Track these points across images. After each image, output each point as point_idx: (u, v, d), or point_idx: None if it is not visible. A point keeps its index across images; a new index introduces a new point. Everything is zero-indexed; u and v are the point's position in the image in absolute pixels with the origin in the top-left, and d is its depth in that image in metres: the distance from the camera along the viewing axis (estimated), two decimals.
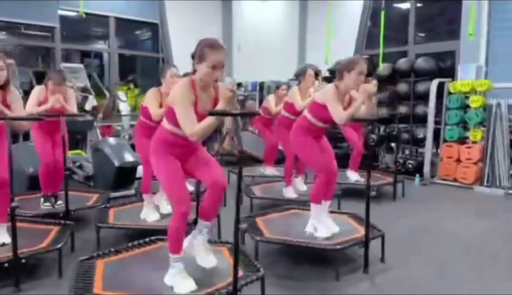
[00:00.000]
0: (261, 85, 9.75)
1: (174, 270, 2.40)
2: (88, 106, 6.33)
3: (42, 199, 4.10)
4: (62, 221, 3.46)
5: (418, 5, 8.33)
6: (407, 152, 7.32)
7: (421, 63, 6.95)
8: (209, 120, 2.24)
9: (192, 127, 2.26)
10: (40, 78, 6.06)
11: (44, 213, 3.82)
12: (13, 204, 2.64)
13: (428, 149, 6.51)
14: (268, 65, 9.45)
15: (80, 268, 2.50)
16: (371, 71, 7.44)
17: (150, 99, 3.73)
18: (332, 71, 7.67)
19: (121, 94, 7.11)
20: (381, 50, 6.72)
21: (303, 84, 4.72)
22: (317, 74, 5.12)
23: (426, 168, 6.47)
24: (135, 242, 2.95)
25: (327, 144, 3.44)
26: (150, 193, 3.83)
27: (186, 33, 8.72)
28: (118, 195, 4.95)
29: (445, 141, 6.44)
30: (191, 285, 2.35)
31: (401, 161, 6.88)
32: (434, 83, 6.47)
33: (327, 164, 3.24)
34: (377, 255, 3.21)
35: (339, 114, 3.04)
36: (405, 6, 8.53)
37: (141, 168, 5.37)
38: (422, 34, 8.79)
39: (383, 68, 7.16)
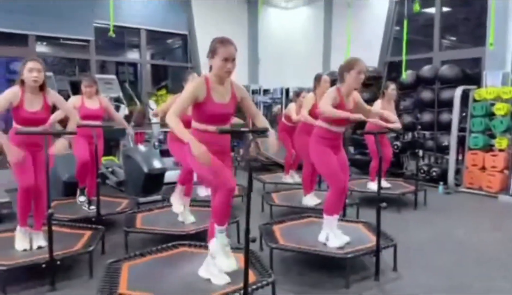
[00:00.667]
0: (287, 90, 9.92)
1: (217, 240, 2.63)
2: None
3: (78, 192, 4.56)
4: (94, 226, 3.76)
5: (444, 9, 8.25)
6: (431, 159, 7.28)
7: (445, 70, 6.92)
8: (186, 135, 2.46)
9: (176, 114, 2.52)
10: (75, 87, 6.50)
11: (78, 217, 4.12)
12: (50, 211, 2.93)
13: (452, 157, 6.49)
14: (294, 71, 9.60)
15: (108, 270, 2.75)
16: (394, 77, 7.51)
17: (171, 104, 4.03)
18: None
19: (151, 103, 7.44)
20: (404, 58, 6.73)
21: (319, 90, 4.74)
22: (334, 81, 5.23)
23: (450, 176, 6.44)
24: (159, 247, 3.19)
25: (344, 159, 3.52)
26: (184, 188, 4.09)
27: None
28: (146, 200, 5.24)
29: (469, 148, 6.40)
30: (225, 278, 2.61)
31: (425, 168, 6.88)
32: (458, 91, 6.44)
33: (339, 181, 3.34)
34: (391, 264, 3.31)
35: (324, 105, 3.24)
36: (430, 10, 8.47)
37: (168, 174, 5.74)
38: (448, 41, 8.70)
39: (407, 75, 7.18)
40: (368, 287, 3.06)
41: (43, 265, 2.96)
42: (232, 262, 2.70)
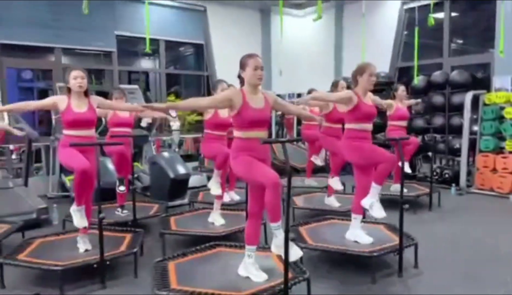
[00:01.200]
0: (299, 96, 10.20)
1: (278, 238, 2.76)
2: (143, 123, 6.98)
3: (117, 182, 4.82)
4: (133, 229, 4.04)
5: (453, 14, 8.47)
6: (443, 162, 7.50)
7: (455, 75, 7.17)
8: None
9: (203, 101, 3.14)
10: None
11: (116, 221, 4.41)
12: (101, 215, 3.21)
13: (463, 159, 6.71)
14: (306, 77, 9.86)
15: (157, 269, 3.03)
16: (405, 81, 7.73)
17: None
18: None
19: (171, 111, 7.71)
20: (415, 63, 6.98)
21: None
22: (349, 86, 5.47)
23: (462, 178, 6.66)
24: (198, 247, 3.46)
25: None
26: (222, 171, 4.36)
27: (228, 52, 9.34)
28: (174, 204, 5.52)
29: (480, 151, 6.62)
30: (263, 276, 2.88)
31: (438, 170, 7.10)
32: (469, 95, 6.67)
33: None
34: (412, 262, 3.55)
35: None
36: (440, 15, 8.69)
37: (192, 179, 6.03)
38: (457, 45, 8.92)
39: (419, 80, 7.43)
40: (392, 283, 3.31)
41: (95, 265, 3.24)
42: (294, 252, 2.75)
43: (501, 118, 6.48)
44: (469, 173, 6.80)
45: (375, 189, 3.54)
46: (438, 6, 8.18)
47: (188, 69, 10.93)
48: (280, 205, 2.77)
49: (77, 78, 3.50)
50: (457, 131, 7.00)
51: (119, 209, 4.87)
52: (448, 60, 8.19)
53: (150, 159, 6.27)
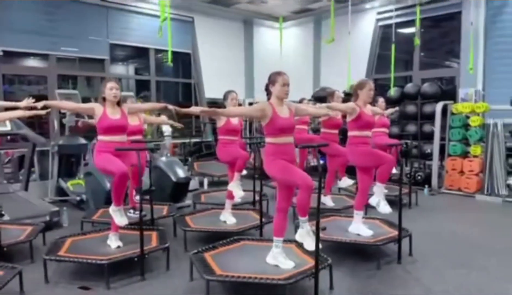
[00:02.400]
0: None
1: (303, 229, 3.29)
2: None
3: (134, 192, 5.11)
4: (155, 227, 4.38)
5: (422, 30, 9.33)
6: (416, 165, 8.26)
7: (426, 87, 7.97)
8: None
9: (233, 111, 3.88)
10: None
11: (135, 221, 4.72)
12: (143, 212, 3.57)
13: (435, 163, 7.48)
14: None
15: (196, 259, 3.42)
16: (380, 92, 8.45)
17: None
18: (347, 94, 8.66)
19: (163, 117, 8.02)
20: (392, 76, 7.70)
21: None
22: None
23: (434, 180, 7.43)
24: (224, 241, 3.87)
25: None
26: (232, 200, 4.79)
27: (214, 60, 9.77)
28: (179, 205, 5.88)
29: (449, 155, 7.41)
30: (291, 263, 3.32)
31: (411, 173, 7.83)
32: (439, 105, 7.46)
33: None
34: (406, 251, 4.13)
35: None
36: (410, 30, 9.51)
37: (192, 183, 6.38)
38: (427, 59, 9.81)
39: (394, 91, 8.17)
40: (394, 268, 3.86)
41: (135, 259, 3.59)
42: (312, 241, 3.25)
43: (467, 126, 7.29)
44: (439, 175, 7.57)
45: (379, 188, 4.10)
46: (409, 23, 9.01)
47: (165, 75, 11.18)
48: (309, 203, 3.27)
49: (112, 89, 3.84)
50: (428, 137, 7.77)
51: (131, 211, 5.16)
52: (418, 73, 9.03)
53: (152, 163, 6.55)
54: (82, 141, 6.88)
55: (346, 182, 5.65)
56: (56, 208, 5.33)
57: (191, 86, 10.05)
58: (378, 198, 4.09)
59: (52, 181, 6.77)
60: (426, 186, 7.37)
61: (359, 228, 4.24)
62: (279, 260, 3.39)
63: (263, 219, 4.45)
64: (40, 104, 3.77)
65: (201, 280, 3.45)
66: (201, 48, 9.69)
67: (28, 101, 3.90)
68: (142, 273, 3.60)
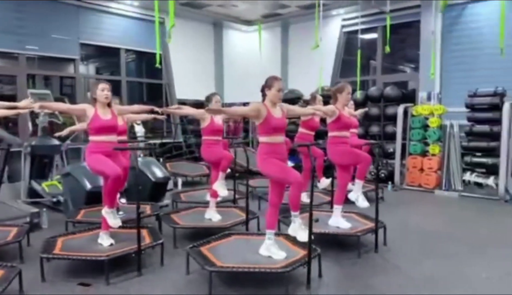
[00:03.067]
0: (246, 104, 11.04)
1: (295, 224, 3.58)
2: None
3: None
4: (144, 225, 4.49)
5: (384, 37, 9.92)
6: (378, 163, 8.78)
7: (388, 91, 8.52)
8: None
9: (236, 110, 3.98)
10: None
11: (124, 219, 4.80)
12: (140, 210, 3.69)
13: (397, 161, 8.02)
14: (255, 87, 10.69)
15: (193, 253, 3.60)
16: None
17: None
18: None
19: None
20: (358, 80, 8.17)
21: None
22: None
23: (397, 177, 7.97)
24: (215, 236, 4.06)
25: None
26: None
27: (184, 61, 9.86)
28: (160, 204, 5.97)
29: (410, 154, 7.98)
30: (283, 254, 3.57)
31: (374, 171, 8.34)
32: (401, 108, 8.01)
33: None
34: (381, 241, 4.50)
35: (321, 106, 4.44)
36: (372, 36, 10.07)
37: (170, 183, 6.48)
38: (385, 63, 10.43)
39: (360, 94, 8.66)
40: (372, 257, 4.22)
41: (133, 255, 3.71)
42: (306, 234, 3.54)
43: (426, 127, 7.88)
44: (400, 173, 8.13)
45: (358, 184, 4.45)
46: (371, 29, 9.57)
47: (129, 75, 11.09)
48: (300, 198, 3.56)
49: (104, 90, 3.94)
50: (391, 137, 8.31)
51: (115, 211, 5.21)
52: (381, 77, 9.60)
53: (131, 164, 6.59)
54: (55, 142, 6.79)
55: (324, 183, 5.98)
56: (36, 210, 5.29)
57: (162, 86, 10.10)
58: (357, 194, 4.44)
59: (24, 183, 6.63)
60: (390, 182, 7.89)
61: (338, 221, 4.57)
62: (272, 251, 3.64)
63: (249, 216, 4.69)
64: (36, 105, 3.79)
65: (197, 273, 3.69)
66: (172, 49, 9.76)
67: (27, 102, 3.91)
68: (139, 269, 3.72)
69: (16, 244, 4.06)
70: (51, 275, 3.69)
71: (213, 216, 4.96)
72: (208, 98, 5.11)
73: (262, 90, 3.69)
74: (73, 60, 8.42)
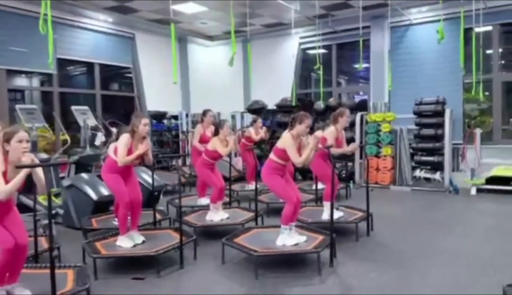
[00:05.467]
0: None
1: (284, 234, 4.25)
2: (97, 142, 7.50)
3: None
4: (170, 227, 4.96)
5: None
6: (338, 165, 9.82)
7: (346, 101, 9.65)
8: (307, 152, 4.21)
9: (298, 158, 4.21)
10: None
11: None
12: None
13: (357, 162, 9.11)
14: (219, 99, 11.37)
15: (228, 243, 4.20)
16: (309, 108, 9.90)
17: (217, 144, 5.54)
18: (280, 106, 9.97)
19: (114, 130, 8.30)
20: (321, 91, 9.17)
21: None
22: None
23: (357, 176, 9.04)
24: (239, 229, 4.69)
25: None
26: (216, 204, 5.53)
27: (153, 75, 10.24)
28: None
29: (366, 155, 9.09)
30: (295, 240, 4.26)
31: (337, 172, 9.36)
32: (358, 115, 9.13)
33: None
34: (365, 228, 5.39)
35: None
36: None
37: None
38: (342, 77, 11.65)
39: (319, 104, 9.69)
40: (367, 240, 5.09)
41: (176, 250, 4.20)
42: (302, 237, 4.37)
43: (379, 131, 9.04)
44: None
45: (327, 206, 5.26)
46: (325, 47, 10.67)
47: (79, 87, 11.07)
48: (291, 216, 4.29)
49: (146, 125, 4.43)
50: (349, 142, 9.33)
51: (117, 219, 5.52)
52: (336, 89, 10.74)
53: None
54: (44, 156, 6.88)
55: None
56: (46, 221, 5.46)
57: (134, 99, 10.38)
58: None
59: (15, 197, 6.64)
60: (352, 181, 8.94)
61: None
62: (286, 241, 4.27)
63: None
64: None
65: (231, 262, 4.28)
66: (141, 63, 10.10)
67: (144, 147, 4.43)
68: (181, 262, 4.20)
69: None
70: (99, 274, 4.05)
71: (222, 215, 5.52)
72: (220, 124, 5.75)
73: (292, 122, 4.32)
74: (50, 75, 8.47)
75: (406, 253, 4.58)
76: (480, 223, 5.97)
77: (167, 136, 11.46)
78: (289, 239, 4.28)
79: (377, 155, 9.00)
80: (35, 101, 10.68)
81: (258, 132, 7.96)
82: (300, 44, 10.90)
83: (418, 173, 8.55)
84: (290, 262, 4.21)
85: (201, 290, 3.73)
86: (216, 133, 5.76)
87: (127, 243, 4.37)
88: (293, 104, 8.95)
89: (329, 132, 5.36)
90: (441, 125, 8.15)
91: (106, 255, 4.03)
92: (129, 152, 4.37)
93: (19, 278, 3.22)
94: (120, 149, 4.34)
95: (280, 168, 4.35)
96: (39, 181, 3.13)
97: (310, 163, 5.47)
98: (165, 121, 11.50)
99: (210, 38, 11.67)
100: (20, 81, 10.39)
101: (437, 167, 8.29)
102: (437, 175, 8.27)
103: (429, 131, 8.34)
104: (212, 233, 5.28)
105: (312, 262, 4.12)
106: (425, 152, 8.49)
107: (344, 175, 9.20)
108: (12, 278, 3.16)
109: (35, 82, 11.07)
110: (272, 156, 4.38)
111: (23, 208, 6.64)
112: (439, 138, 8.20)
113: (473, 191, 7.84)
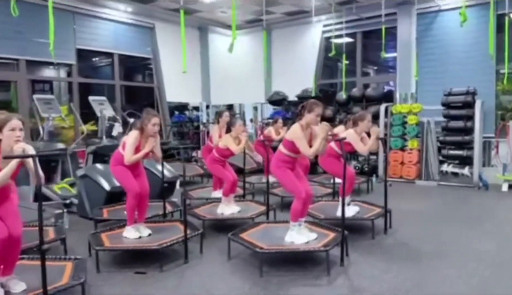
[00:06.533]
0: (230, 106, 11.46)
1: (293, 231, 4.02)
2: (115, 132, 7.48)
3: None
4: (177, 219, 4.84)
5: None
6: (360, 159, 9.49)
7: (370, 91, 9.25)
8: (317, 143, 3.95)
9: (309, 149, 3.96)
10: None
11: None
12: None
13: (381, 156, 8.73)
14: (239, 91, 11.19)
15: (234, 238, 4.03)
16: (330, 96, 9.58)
17: (229, 141, 5.38)
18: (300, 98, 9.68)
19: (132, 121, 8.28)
20: (343, 81, 8.83)
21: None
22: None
23: (380, 170, 8.68)
24: (249, 224, 4.51)
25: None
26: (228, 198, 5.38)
27: (172, 64, 10.14)
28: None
29: (391, 149, 8.71)
30: (304, 238, 4.01)
31: (359, 165, 9.04)
32: (383, 107, 8.74)
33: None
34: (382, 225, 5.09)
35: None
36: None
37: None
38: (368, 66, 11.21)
39: (341, 95, 9.34)
40: (384, 238, 4.81)
41: (181, 243, 4.06)
42: (312, 234, 4.12)
43: (405, 124, 8.64)
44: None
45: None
46: (350, 35, 10.27)
47: (103, 78, 11.13)
48: (301, 211, 4.02)
49: (155, 126, 4.25)
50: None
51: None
52: (360, 79, 10.33)
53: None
54: (61, 146, 6.93)
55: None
56: (60, 211, 5.47)
57: (153, 90, 10.35)
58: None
59: (32, 187, 6.71)
60: (374, 175, 8.59)
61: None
62: (294, 238, 4.04)
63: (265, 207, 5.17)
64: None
65: (237, 258, 4.11)
66: (161, 53, 10.03)
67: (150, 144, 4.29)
68: (186, 256, 4.07)
69: (57, 242, 4.31)
70: (103, 267, 3.96)
71: (234, 209, 5.36)
72: (232, 123, 5.59)
73: (300, 110, 4.04)
74: (70, 65, 8.52)
75: (426, 253, 4.28)
76: (511, 221, 5.56)
77: (188, 127, 11.39)
78: (298, 236, 4.05)
79: (403, 149, 8.62)
80: (62, 92, 10.90)
81: (278, 132, 7.77)
82: (323, 32, 10.52)
83: (445, 167, 8.11)
84: (298, 260, 4.00)
85: (203, 286, 3.58)
86: (228, 130, 5.62)
87: (133, 234, 4.28)
88: (313, 94, 8.65)
89: (351, 135, 4.90)
90: (471, 117, 7.68)
91: (109, 248, 3.93)
92: (137, 149, 4.25)
93: (14, 270, 3.14)
94: (127, 148, 4.23)
95: (290, 160, 4.10)
96: (31, 171, 3.03)
97: (322, 162, 5.25)
98: (187, 113, 11.44)
99: (231, 27, 11.44)
100: (48, 72, 10.59)
101: (466, 161, 7.83)
102: (465, 170, 7.82)
103: (458, 124, 7.88)
104: (221, 226, 5.13)
105: (321, 261, 3.90)
106: (454, 145, 8.04)
107: (366, 169, 8.88)
108: (6, 270, 3.10)
109: (62, 73, 11.25)
110: (281, 147, 4.15)
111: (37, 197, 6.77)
112: (469, 131, 7.74)
113: (505, 187, 7.36)
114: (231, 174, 5.51)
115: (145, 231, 4.39)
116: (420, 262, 4.04)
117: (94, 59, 11.21)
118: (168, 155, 9.98)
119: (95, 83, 10.36)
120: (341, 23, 8.65)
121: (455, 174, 7.99)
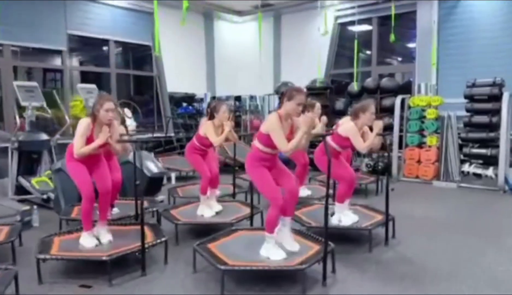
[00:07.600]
0: (237, 98, 10.83)
1: (269, 244, 3.39)
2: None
3: None
4: (146, 222, 4.26)
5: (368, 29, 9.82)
6: (373, 156, 8.70)
7: (385, 82, 8.43)
8: (298, 137, 3.27)
9: (286, 144, 3.29)
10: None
11: (121, 216, 4.59)
12: (144, 206, 3.48)
13: (395, 153, 7.94)
14: (246, 80, 10.53)
15: (201, 250, 3.41)
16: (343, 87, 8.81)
17: (209, 130, 4.71)
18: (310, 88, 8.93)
19: (127, 111, 7.79)
20: (355, 71, 8.05)
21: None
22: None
23: (394, 168, 7.89)
24: (225, 231, 3.90)
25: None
26: (206, 195, 4.77)
27: (175, 53, 9.60)
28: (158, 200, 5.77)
29: (407, 145, 7.90)
30: (282, 254, 3.36)
31: (371, 163, 8.26)
32: (398, 99, 7.92)
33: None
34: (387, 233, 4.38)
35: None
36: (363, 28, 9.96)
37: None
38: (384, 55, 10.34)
39: (357, 86, 8.55)
40: (383, 251, 4.09)
41: (137, 254, 3.50)
42: (295, 244, 3.51)
43: (423, 118, 7.81)
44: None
45: (338, 207, 4.45)
46: (364, 21, 9.44)
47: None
48: (274, 220, 3.42)
49: (109, 112, 3.61)
50: (387, 129, 8.21)
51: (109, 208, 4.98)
52: (376, 68, 9.50)
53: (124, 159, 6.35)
54: (44, 137, 6.49)
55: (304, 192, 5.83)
56: (27, 207, 5.02)
57: (153, 79, 9.83)
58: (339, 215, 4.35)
59: (11, 179, 6.32)
60: (387, 174, 7.78)
61: (344, 214, 4.42)
62: (271, 252, 3.41)
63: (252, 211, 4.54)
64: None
65: (204, 271, 3.51)
66: (162, 40, 9.46)
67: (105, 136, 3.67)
68: (143, 268, 3.51)
69: (8, 244, 3.81)
70: (49, 277, 3.45)
71: (204, 212, 4.75)
72: (216, 108, 4.88)
73: (280, 98, 3.44)
74: (60, 51, 8.08)
75: (431, 272, 3.56)
76: None
77: (196, 120, 10.83)
78: (274, 250, 3.41)
79: (420, 145, 7.79)
80: (75, 81, 10.47)
81: None
82: (336, 18, 9.72)
83: (467, 167, 7.23)
84: (274, 278, 3.36)
85: None
86: (211, 117, 4.91)
87: (89, 241, 3.73)
88: (317, 85, 7.92)
89: (350, 130, 4.24)
90: (497, 112, 6.78)
91: (52, 256, 3.39)
92: (90, 140, 3.66)
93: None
94: (75, 139, 3.63)
95: (267, 158, 3.44)
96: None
97: (317, 160, 4.56)
98: (195, 104, 10.86)
99: (238, 13, 10.79)
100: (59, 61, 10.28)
101: (490, 161, 6.93)
102: (489, 171, 6.92)
103: (483, 119, 6.98)
104: (199, 231, 4.53)
105: (301, 279, 3.24)
106: (477, 143, 7.14)
107: (379, 168, 8.10)
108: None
109: (75, 61, 10.90)
110: (255, 142, 3.49)
111: (20, 191, 6.38)
112: (494, 127, 6.84)
113: None
114: (211, 168, 4.88)
115: (105, 237, 3.84)
116: (422, 283, 3.34)
117: (105, 49, 10.84)
118: (168, 149, 9.51)
119: (95, 71, 9.93)
120: (353, 8, 7.84)
121: (477, 176, 7.11)
